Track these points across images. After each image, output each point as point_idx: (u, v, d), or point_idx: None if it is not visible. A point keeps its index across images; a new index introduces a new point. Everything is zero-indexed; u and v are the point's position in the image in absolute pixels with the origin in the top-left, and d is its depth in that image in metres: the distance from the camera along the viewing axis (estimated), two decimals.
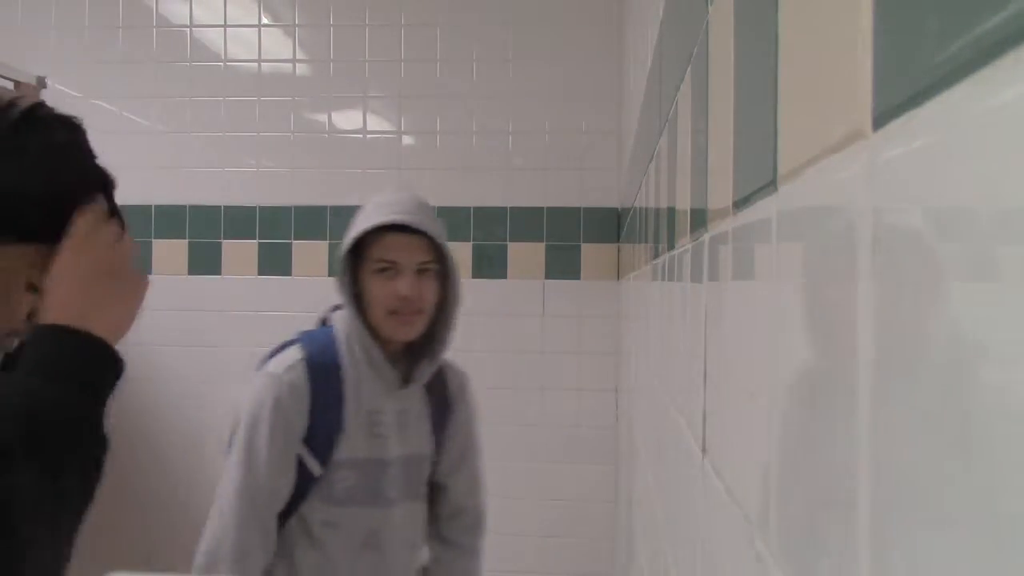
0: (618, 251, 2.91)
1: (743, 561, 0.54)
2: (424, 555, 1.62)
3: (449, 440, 1.57)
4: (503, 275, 2.96)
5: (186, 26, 3.08)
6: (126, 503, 3.07)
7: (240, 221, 3.05)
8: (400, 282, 1.39)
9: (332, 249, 3.04)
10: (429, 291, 1.43)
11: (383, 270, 1.40)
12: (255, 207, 3.05)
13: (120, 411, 3.01)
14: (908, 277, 0.29)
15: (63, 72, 3.10)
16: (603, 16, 2.93)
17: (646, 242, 1.62)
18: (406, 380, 1.47)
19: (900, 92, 0.29)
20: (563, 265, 2.96)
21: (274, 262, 3.04)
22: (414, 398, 1.51)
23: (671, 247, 1.08)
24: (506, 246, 2.97)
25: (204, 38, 3.08)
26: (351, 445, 1.43)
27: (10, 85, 2.98)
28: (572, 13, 2.95)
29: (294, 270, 3.03)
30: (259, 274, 3.04)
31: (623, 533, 2.39)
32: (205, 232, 3.06)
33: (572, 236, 2.96)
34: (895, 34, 0.30)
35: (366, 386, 1.44)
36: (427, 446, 1.53)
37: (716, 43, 0.69)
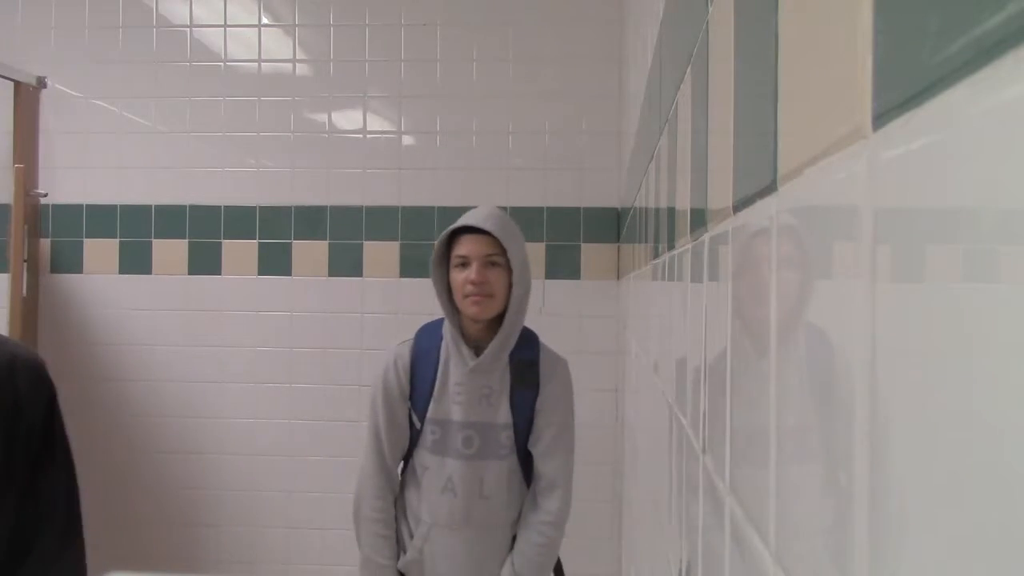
0: (618, 251, 2.91)
1: (743, 561, 0.54)
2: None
3: (539, 416, 1.85)
4: None
5: (186, 26, 3.08)
6: (126, 503, 3.07)
7: (240, 221, 3.05)
8: (470, 271, 1.76)
9: (332, 249, 3.04)
10: (495, 277, 1.77)
11: (460, 264, 1.79)
12: (255, 207, 3.05)
13: (120, 411, 3.02)
14: (908, 277, 0.29)
15: (63, 72, 3.10)
16: (603, 16, 2.93)
17: (646, 242, 1.62)
18: (478, 355, 1.81)
19: (900, 92, 0.29)
20: (563, 265, 2.96)
21: (274, 262, 3.04)
22: (496, 375, 1.82)
23: (671, 247, 1.08)
24: None
25: (204, 38, 3.08)
26: (437, 407, 1.82)
27: (10, 85, 2.98)
28: (572, 13, 2.95)
29: (294, 270, 3.03)
30: (259, 274, 3.04)
31: (623, 533, 2.39)
32: (205, 232, 3.06)
33: (572, 236, 2.96)
34: (895, 34, 0.30)
35: (454, 361, 1.82)
36: (503, 418, 1.82)
37: (716, 43, 0.69)
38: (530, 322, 1.90)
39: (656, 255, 1.36)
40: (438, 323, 1.88)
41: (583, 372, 2.94)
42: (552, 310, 2.94)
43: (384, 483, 1.87)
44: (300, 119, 3.05)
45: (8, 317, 2.92)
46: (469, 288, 1.75)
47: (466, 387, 1.80)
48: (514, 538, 1.88)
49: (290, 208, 3.04)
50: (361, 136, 3.04)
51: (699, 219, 0.79)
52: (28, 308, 3.02)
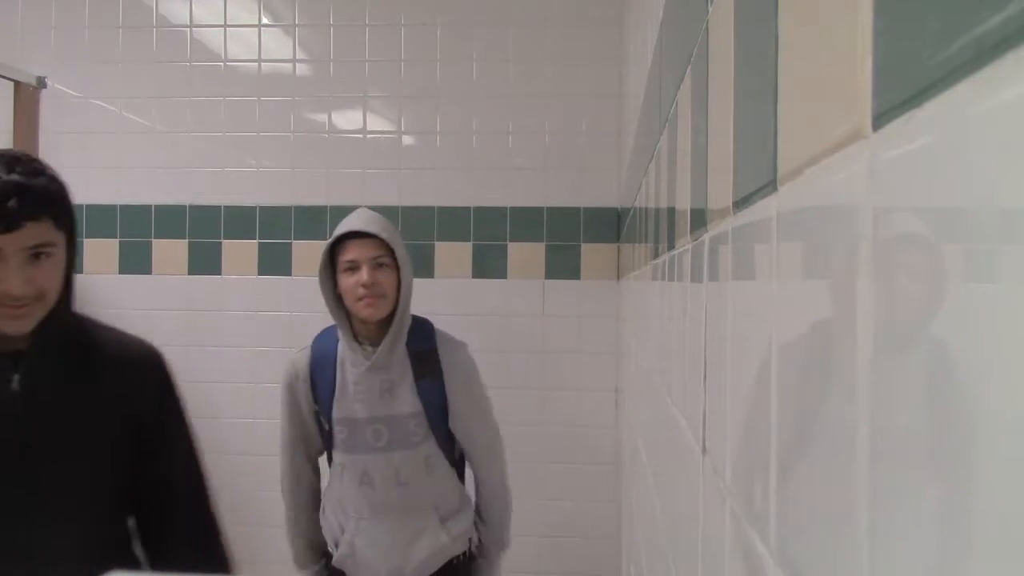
0: (618, 251, 2.91)
1: (743, 561, 0.54)
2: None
3: (450, 403, 1.93)
4: (503, 275, 2.96)
5: (186, 26, 3.08)
6: None
7: (240, 221, 3.05)
8: (360, 274, 1.82)
9: None
10: (385, 278, 1.84)
11: (348, 268, 1.85)
12: (255, 207, 3.05)
13: None
14: (908, 277, 0.29)
15: (63, 72, 3.10)
16: (603, 16, 2.93)
17: (646, 242, 1.62)
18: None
19: (900, 92, 0.29)
20: (563, 265, 2.96)
21: (274, 262, 3.04)
22: (395, 368, 1.88)
23: (671, 247, 1.08)
24: (506, 246, 2.97)
25: (204, 38, 3.08)
26: (341, 407, 1.88)
27: (10, 85, 2.98)
28: (572, 13, 2.95)
29: (294, 270, 3.03)
30: (259, 274, 3.04)
31: (623, 533, 2.39)
32: (205, 232, 3.06)
33: (572, 236, 2.96)
34: (895, 34, 0.30)
35: (350, 361, 1.88)
36: (408, 407, 1.89)
37: (716, 43, 0.69)
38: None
39: (656, 255, 1.36)
40: (333, 329, 1.95)
41: (583, 372, 2.94)
42: (552, 310, 2.94)
43: (302, 472, 2.02)
44: (300, 119, 3.05)
45: None
46: (361, 291, 1.81)
47: (365, 384, 1.87)
48: (440, 519, 1.95)
49: (290, 208, 3.04)
50: (361, 136, 3.04)
51: (699, 219, 0.79)
52: None
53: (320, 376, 1.91)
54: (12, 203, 1.13)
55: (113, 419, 1.31)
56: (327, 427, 1.92)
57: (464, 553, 2.01)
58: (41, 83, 3.09)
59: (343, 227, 1.87)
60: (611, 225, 2.94)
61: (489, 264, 2.96)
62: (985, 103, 0.23)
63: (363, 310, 1.82)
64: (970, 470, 0.23)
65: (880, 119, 0.31)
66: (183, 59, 3.08)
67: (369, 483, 1.89)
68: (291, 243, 3.04)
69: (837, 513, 0.35)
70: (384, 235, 1.84)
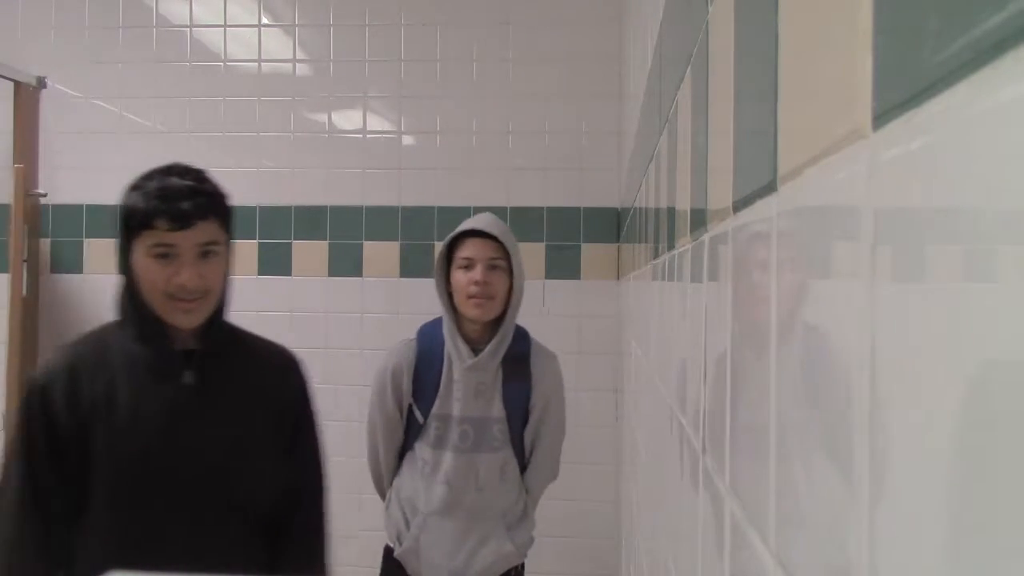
0: (618, 251, 2.91)
1: (743, 560, 0.54)
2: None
3: (532, 411, 1.95)
4: None
5: (186, 26, 3.08)
6: None
7: (240, 221, 3.04)
8: (475, 272, 1.84)
9: (332, 249, 3.04)
10: (497, 280, 1.85)
11: (464, 266, 1.86)
12: (255, 207, 3.04)
13: None
14: (908, 277, 0.29)
15: (63, 72, 3.10)
16: (603, 16, 2.93)
17: (646, 242, 1.62)
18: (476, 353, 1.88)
19: (900, 92, 0.29)
20: (563, 265, 2.96)
21: (274, 262, 3.04)
22: (489, 372, 1.89)
23: (671, 247, 1.08)
24: None
25: (204, 38, 3.08)
26: (442, 404, 1.90)
27: (10, 85, 2.98)
28: (572, 13, 2.95)
29: (294, 270, 3.03)
30: (259, 274, 3.04)
31: (623, 533, 2.39)
32: None
33: (572, 236, 2.96)
34: (895, 34, 0.30)
35: (455, 360, 1.89)
36: (496, 412, 1.90)
37: (716, 43, 0.69)
38: (530, 322, 1.90)
39: (656, 255, 1.36)
40: (436, 323, 1.95)
41: (583, 372, 2.94)
42: (552, 310, 2.94)
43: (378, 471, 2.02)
44: (300, 119, 3.05)
45: (8, 317, 2.92)
46: (473, 289, 1.83)
47: (463, 383, 1.88)
48: (506, 526, 1.97)
49: (290, 208, 3.04)
50: (361, 136, 3.04)
51: (699, 219, 0.79)
52: (28, 308, 3.02)
53: (426, 369, 1.92)
54: (187, 204, 1.28)
55: (267, 418, 1.40)
56: (421, 421, 1.92)
57: (522, 565, 2.03)
58: (41, 83, 3.09)
59: (465, 225, 1.90)
60: (611, 225, 2.94)
61: None
62: (985, 103, 0.23)
63: (471, 309, 1.84)
64: (970, 470, 0.23)
65: (880, 119, 0.31)
66: (183, 59, 3.08)
67: (447, 482, 1.90)
68: (291, 243, 3.04)
69: (837, 513, 0.35)
70: (503, 238, 1.86)
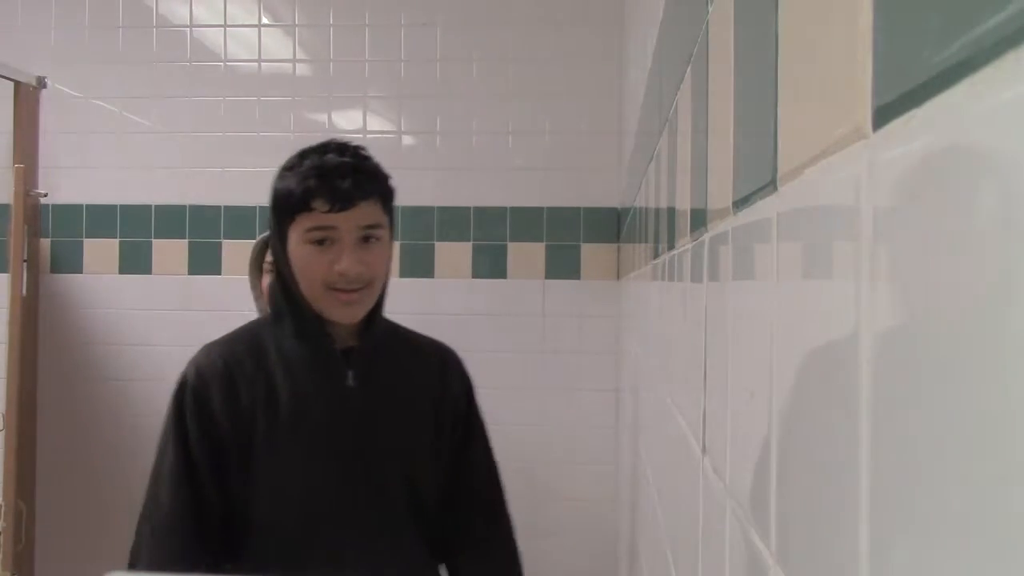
0: (618, 251, 2.91)
1: (743, 560, 0.54)
2: None
3: None
4: (503, 275, 2.96)
5: (186, 26, 3.08)
6: (127, 503, 3.06)
7: (240, 221, 3.05)
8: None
9: None
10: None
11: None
12: (255, 207, 3.04)
13: (121, 411, 3.02)
14: (908, 277, 0.29)
15: (63, 72, 3.10)
16: (603, 16, 2.93)
17: (646, 242, 1.62)
18: None
19: (900, 92, 0.29)
20: (563, 265, 2.96)
21: None
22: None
23: (671, 247, 1.08)
24: (506, 246, 2.97)
25: (204, 38, 3.08)
26: None
27: (10, 85, 2.98)
28: (572, 13, 2.95)
29: None
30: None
31: (624, 534, 2.39)
32: (205, 232, 3.06)
33: (572, 236, 2.96)
34: (895, 34, 0.30)
35: None
36: None
37: (716, 43, 0.69)
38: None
39: (656, 255, 1.36)
40: None
41: (583, 372, 2.94)
42: (552, 310, 2.94)
43: None
44: (300, 119, 3.05)
45: (8, 317, 2.92)
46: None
47: None
48: None
49: None
50: (361, 136, 3.04)
51: (699, 219, 0.79)
52: (28, 308, 3.02)
53: None
54: (347, 182, 1.15)
55: (433, 420, 1.31)
56: None
57: None
58: (41, 83, 3.09)
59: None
60: (611, 225, 2.94)
61: (489, 264, 2.96)
62: (985, 103, 0.23)
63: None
64: (972, 471, 0.23)
65: (880, 119, 0.31)
66: (183, 59, 3.08)
67: None
68: None
69: (837, 513, 0.35)
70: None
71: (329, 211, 1.15)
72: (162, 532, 1.21)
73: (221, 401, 1.21)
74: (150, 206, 3.07)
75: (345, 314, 1.21)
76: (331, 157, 1.18)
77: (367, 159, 1.23)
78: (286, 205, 1.19)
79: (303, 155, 1.22)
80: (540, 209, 2.96)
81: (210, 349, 1.29)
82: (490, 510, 1.38)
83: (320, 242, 1.17)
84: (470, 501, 1.36)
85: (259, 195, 3.04)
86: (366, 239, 1.20)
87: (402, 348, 1.34)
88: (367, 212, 1.18)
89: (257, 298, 1.76)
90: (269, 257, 1.64)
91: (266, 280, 1.67)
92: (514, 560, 1.39)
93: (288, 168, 1.23)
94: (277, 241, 1.22)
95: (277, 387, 1.22)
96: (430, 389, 1.33)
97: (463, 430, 1.36)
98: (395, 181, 1.29)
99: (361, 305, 1.22)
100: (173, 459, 1.21)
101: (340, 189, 1.15)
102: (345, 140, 1.24)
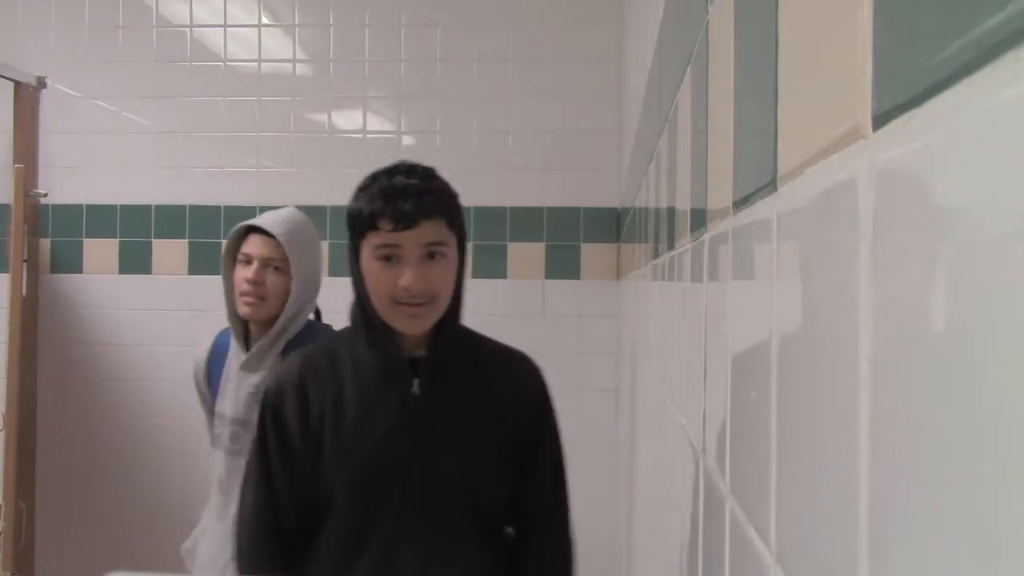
0: (618, 251, 2.91)
1: (743, 560, 0.54)
2: None
3: None
4: (503, 275, 2.96)
5: (186, 26, 3.08)
6: (126, 503, 3.06)
7: (240, 221, 3.05)
8: (249, 269, 1.75)
9: (332, 249, 3.04)
10: (273, 281, 1.75)
11: (244, 261, 1.77)
12: (255, 207, 3.04)
13: (120, 411, 3.02)
14: (908, 277, 0.29)
15: (63, 72, 3.10)
16: (603, 16, 2.93)
17: (646, 242, 1.62)
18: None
19: (900, 92, 0.29)
20: (563, 265, 2.96)
21: None
22: (260, 373, 1.78)
23: (671, 247, 1.08)
24: (506, 246, 2.96)
25: (204, 38, 3.08)
26: (219, 401, 1.82)
27: (10, 85, 2.98)
28: (572, 13, 2.95)
29: None
30: None
31: (623, 534, 2.39)
32: (205, 232, 3.06)
33: (572, 236, 2.96)
34: (895, 34, 0.30)
35: (232, 357, 1.84)
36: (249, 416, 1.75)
37: (716, 43, 0.69)
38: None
39: (656, 255, 1.36)
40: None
41: (583, 372, 2.94)
42: (552, 310, 2.94)
43: None
44: (300, 119, 3.05)
45: (8, 317, 2.92)
46: (244, 286, 1.75)
47: (236, 382, 1.80)
48: None
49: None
50: (361, 136, 3.04)
51: (699, 219, 0.79)
52: (28, 308, 3.02)
53: (217, 365, 1.89)
54: (409, 203, 1.24)
55: (501, 429, 1.35)
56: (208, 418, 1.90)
57: None
58: (41, 83, 3.09)
59: (256, 220, 1.82)
60: (611, 225, 2.94)
61: (489, 264, 2.96)
62: (985, 103, 0.23)
63: (242, 307, 1.78)
64: (971, 471, 0.23)
65: (880, 119, 0.31)
66: (183, 59, 3.08)
67: (219, 484, 1.81)
68: None
69: (837, 513, 0.35)
70: (285, 240, 1.77)
71: (393, 230, 1.24)
72: (246, 522, 1.35)
73: (294, 410, 1.31)
74: (150, 206, 3.07)
75: (409, 326, 1.29)
76: (399, 179, 1.28)
77: (434, 180, 1.33)
78: (357, 224, 1.28)
79: (375, 176, 1.32)
80: (540, 209, 2.96)
81: (292, 359, 1.40)
82: (553, 526, 1.41)
83: (387, 258, 1.25)
84: (532, 517, 1.39)
85: (259, 195, 3.06)
86: (431, 255, 1.27)
87: (475, 357, 1.39)
88: (430, 230, 1.26)
89: (228, 291, 1.80)
90: (245, 248, 1.76)
91: (239, 271, 1.75)
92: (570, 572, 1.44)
93: (362, 188, 1.31)
94: (352, 257, 1.31)
95: (345, 393, 1.31)
96: (499, 398, 1.37)
97: (533, 438, 1.39)
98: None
99: (425, 318, 1.28)
100: (255, 461, 1.34)
101: (403, 210, 1.24)
102: (414, 162, 1.34)
